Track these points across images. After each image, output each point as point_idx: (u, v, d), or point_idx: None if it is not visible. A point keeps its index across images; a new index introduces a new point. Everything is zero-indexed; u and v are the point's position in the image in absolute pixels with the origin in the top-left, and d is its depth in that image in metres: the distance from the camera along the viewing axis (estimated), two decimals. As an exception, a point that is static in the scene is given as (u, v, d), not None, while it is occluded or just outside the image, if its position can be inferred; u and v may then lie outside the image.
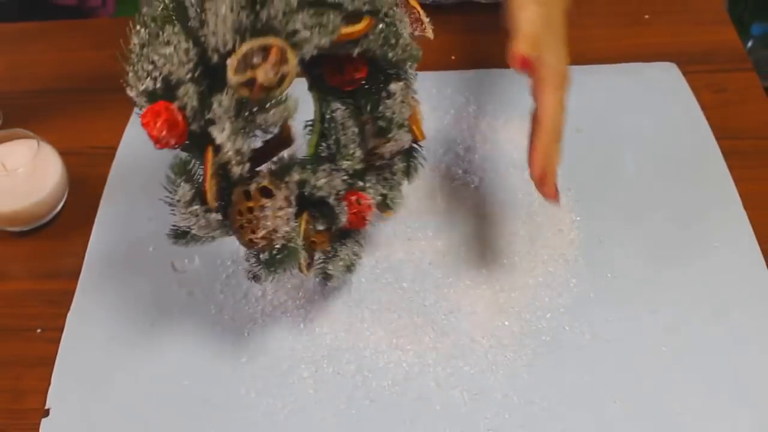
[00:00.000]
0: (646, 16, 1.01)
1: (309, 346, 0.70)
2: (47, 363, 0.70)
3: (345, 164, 0.66)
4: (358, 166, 0.67)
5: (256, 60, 0.54)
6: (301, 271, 0.65)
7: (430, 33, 0.68)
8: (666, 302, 0.72)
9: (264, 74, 0.53)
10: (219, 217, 0.59)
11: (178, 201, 0.58)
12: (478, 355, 0.69)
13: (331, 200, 0.65)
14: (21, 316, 0.75)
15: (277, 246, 0.61)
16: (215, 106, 0.54)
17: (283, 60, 0.54)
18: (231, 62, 0.53)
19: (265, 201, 0.59)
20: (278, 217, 0.59)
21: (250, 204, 0.59)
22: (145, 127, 0.55)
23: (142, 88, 0.56)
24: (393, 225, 0.78)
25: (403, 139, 0.68)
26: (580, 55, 0.95)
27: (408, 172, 0.73)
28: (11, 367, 0.71)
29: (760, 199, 0.79)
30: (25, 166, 0.77)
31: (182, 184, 0.58)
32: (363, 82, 0.67)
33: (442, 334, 0.71)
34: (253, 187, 0.59)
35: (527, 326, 0.71)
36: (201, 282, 0.75)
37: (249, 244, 0.60)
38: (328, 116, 0.68)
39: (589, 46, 0.97)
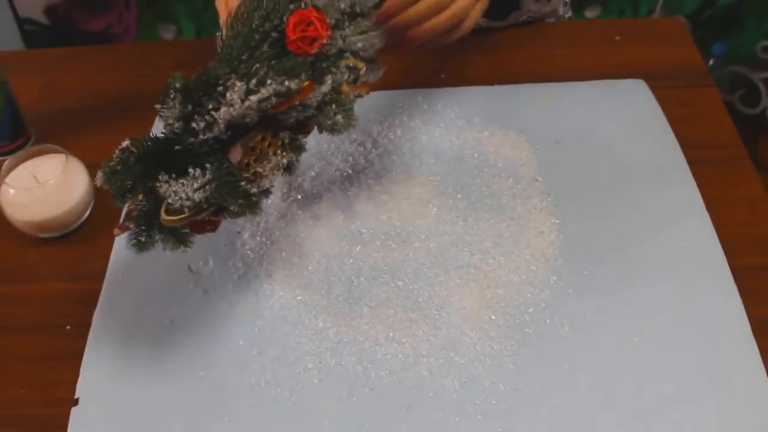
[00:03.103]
0: (617, 38, 1.01)
1: (313, 339, 0.70)
2: (76, 356, 0.70)
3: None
4: None
5: None
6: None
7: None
8: (638, 297, 0.71)
9: None
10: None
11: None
12: (467, 347, 0.69)
13: None
14: (52, 314, 0.74)
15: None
16: None
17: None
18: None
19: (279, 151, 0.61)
20: (273, 171, 0.62)
21: (271, 141, 0.60)
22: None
23: None
24: (389, 229, 0.78)
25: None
26: (557, 73, 0.95)
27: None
28: (44, 361, 0.71)
29: (721, 203, 0.79)
30: (55, 178, 0.77)
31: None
32: None
33: (434, 327, 0.70)
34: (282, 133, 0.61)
35: (512, 320, 0.70)
36: (215, 282, 0.75)
37: (242, 170, 0.60)
38: None
39: (565, 64, 0.97)
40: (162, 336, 0.71)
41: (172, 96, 0.57)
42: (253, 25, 0.60)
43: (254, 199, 0.61)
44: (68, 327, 0.73)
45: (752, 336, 0.68)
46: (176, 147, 0.60)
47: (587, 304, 0.71)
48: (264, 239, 0.78)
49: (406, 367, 0.68)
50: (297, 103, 0.60)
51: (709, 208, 0.78)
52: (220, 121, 0.58)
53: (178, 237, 0.63)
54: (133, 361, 0.70)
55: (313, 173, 0.83)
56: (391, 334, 0.70)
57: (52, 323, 0.73)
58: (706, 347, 0.68)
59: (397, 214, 0.79)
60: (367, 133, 0.87)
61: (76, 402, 0.67)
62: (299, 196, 0.81)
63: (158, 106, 0.58)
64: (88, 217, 0.82)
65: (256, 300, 0.73)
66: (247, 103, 0.57)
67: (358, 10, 0.65)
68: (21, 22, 1.82)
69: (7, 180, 0.78)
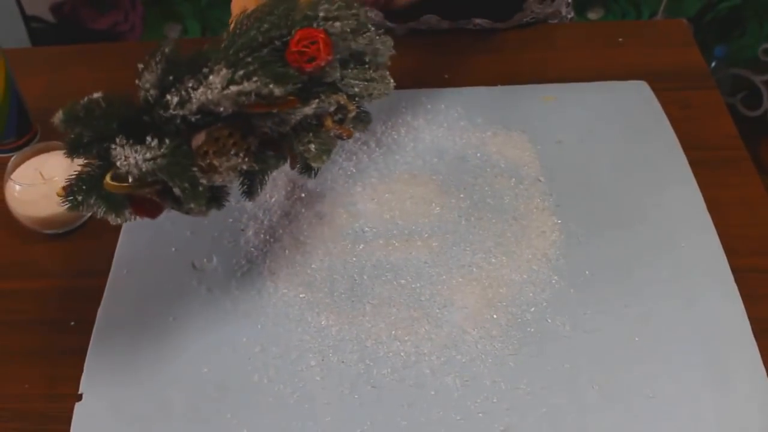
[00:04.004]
0: (620, 40, 1.01)
1: (316, 337, 0.70)
2: (80, 352, 0.70)
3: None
4: None
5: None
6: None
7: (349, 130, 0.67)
8: (638, 297, 0.71)
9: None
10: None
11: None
12: (469, 345, 0.69)
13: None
14: (56, 310, 0.74)
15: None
16: None
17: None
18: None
19: (242, 154, 0.59)
20: (229, 171, 0.60)
21: (237, 141, 0.59)
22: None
23: None
24: (392, 228, 0.78)
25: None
26: (560, 74, 0.95)
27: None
28: (48, 356, 0.71)
29: (722, 204, 0.79)
30: (60, 175, 0.77)
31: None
32: None
33: (436, 326, 0.70)
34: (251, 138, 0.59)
35: (513, 319, 0.70)
36: (218, 279, 0.75)
37: (199, 156, 0.59)
38: None
39: (568, 66, 0.97)
40: (165, 332, 0.71)
41: (157, 59, 0.57)
42: (261, 29, 0.59)
43: (200, 189, 0.59)
44: (72, 323, 0.73)
45: (752, 336, 0.68)
46: (144, 117, 0.59)
47: (588, 303, 0.71)
48: (267, 237, 0.78)
49: (408, 365, 0.68)
50: (275, 111, 0.59)
51: (710, 208, 0.78)
52: (195, 101, 0.57)
53: (113, 204, 0.60)
54: (137, 357, 0.70)
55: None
56: (393, 332, 0.70)
57: (57, 319, 0.73)
58: (706, 347, 0.68)
59: (400, 213, 0.79)
60: (371, 132, 0.87)
61: (79, 397, 0.67)
62: (303, 195, 0.81)
63: (140, 65, 0.57)
64: (92, 215, 0.81)
65: (259, 297, 0.73)
66: (226, 92, 0.56)
67: (367, 59, 0.65)
68: (27, 19, 1.82)
69: (13, 176, 0.78)
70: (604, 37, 1.01)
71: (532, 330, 0.70)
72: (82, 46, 1.07)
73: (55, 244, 0.80)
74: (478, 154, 0.85)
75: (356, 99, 0.66)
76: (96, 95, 0.57)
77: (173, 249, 0.77)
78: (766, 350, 0.67)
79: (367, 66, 0.65)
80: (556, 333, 0.69)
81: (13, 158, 0.79)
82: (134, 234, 0.79)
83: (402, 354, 0.68)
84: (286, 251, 0.76)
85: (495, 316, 0.70)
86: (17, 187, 0.77)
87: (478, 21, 1.01)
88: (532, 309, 0.71)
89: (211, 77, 0.57)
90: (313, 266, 0.75)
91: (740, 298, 0.71)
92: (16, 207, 0.78)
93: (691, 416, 0.63)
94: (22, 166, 0.80)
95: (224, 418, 0.65)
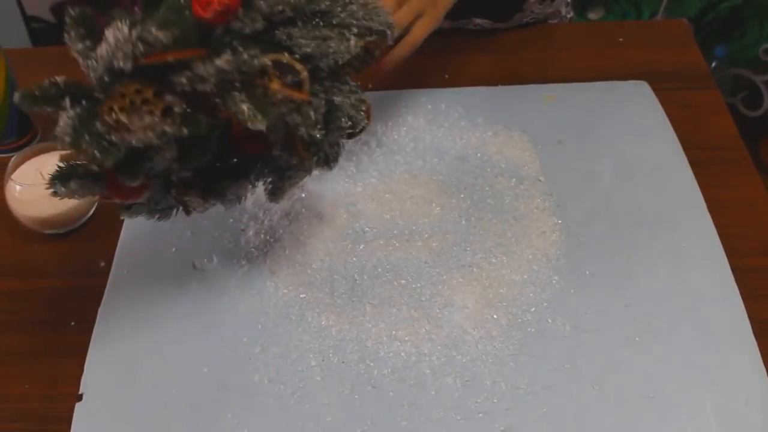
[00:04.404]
0: (621, 39, 1.01)
1: (316, 337, 0.70)
2: (80, 352, 0.70)
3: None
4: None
5: None
6: None
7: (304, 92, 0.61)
8: (639, 297, 0.71)
9: None
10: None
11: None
12: (469, 346, 0.69)
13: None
14: (57, 310, 0.74)
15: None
16: None
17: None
18: None
19: (158, 113, 0.57)
20: (146, 131, 0.57)
21: (148, 98, 0.56)
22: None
23: None
24: (392, 228, 0.78)
25: None
26: (560, 74, 0.95)
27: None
28: (49, 356, 0.71)
29: (722, 204, 0.79)
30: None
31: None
32: None
33: (437, 326, 0.70)
34: (168, 96, 0.57)
35: (514, 319, 0.70)
36: (219, 279, 0.75)
37: (104, 112, 0.57)
38: None
39: (568, 66, 0.97)
40: (165, 333, 0.71)
41: (70, 26, 0.57)
42: None
43: (105, 144, 0.57)
44: (73, 323, 0.73)
45: (752, 336, 0.68)
46: (96, 94, 0.59)
47: (589, 304, 0.71)
48: (268, 237, 0.78)
49: (408, 366, 0.68)
50: (170, 60, 0.56)
51: (711, 208, 0.78)
52: (99, 60, 0.57)
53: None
54: (137, 357, 0.70)
55: (317, 172, 0.83)
56: (393, 332, 0.70)
57: (57, 319, 0.73)
58: (706, 347, 0.68)
59: (400, 213, 0.79)
60: (372, 132, 0.87)
61: (80, 398, 0.67)
62: (303, 195, 0.81)
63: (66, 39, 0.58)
64: (93, 214, 0.82)
65: (259, 298, 0.73)
66: (118, 44, 0.55)
67: (335, 21, 0.62)
68: (28, 19, 1.82)
69: (14, 176, 0.78)
70: (604, 37, 1.01)
71: (533, 330, 0.70)
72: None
73: (55, 244, 0.80)
74: (479, 154, 0.85)
75: (317, 62, 0.61)
76: (59, 78, 0.58)
77: (173, 249, 0.77)
78: (766, 350, 0.67)
79: (318, 22, 0.61)
80: (557, 333, 0.69)
81: (13, 158, 0.79)
82: (135, 235, 0.79)
83: (402, 354, 0.68)
84: (287, 251, 0.76)
85: (495, 316, 0.70)
86: (18, 188, 0.77)
87: (478, 21, 1.01)
88: (533, 309, 0.71)
89: (107, 31, 0.56)
90: (313, 266, 0.75)
91: (740, 298, 0.71)
92: (16, 207, 0.78)
93: (691, 416, 0.63)
94: (23, 167, 0.80)
95: (224, 418, 0.65)
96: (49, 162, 0.79)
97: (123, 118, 0.56)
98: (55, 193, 0.61)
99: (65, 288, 0.76)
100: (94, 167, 0.60)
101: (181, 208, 0.68)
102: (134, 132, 0.57)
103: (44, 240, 0.80)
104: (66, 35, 0.58)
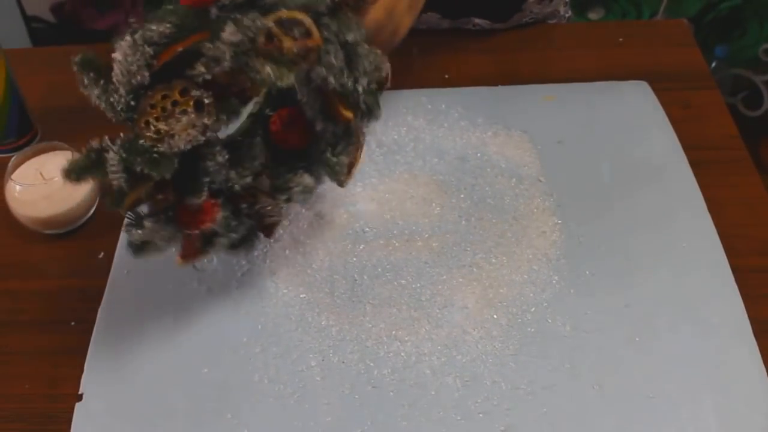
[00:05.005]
0: (621, 39, 1.01)
1: (316, 337, 0.70)
2: (80, 352, 0.70)
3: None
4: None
5: None
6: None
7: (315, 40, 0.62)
8: (639, 297, 0.71)
9: None
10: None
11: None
12: (469, 346, 0.69)
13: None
14: (57, 310, 0.74)
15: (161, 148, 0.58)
16: None
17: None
18: None
19: (191, 110, 0.58)
20: (188, 130, 0.58)
21: (177, 100, 0.58)
22: None
23: None
24: (392, 228, 0.78)
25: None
26: (560, 74, 0.95)
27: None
28: (49, 356, 0.71)
29: (722, 204, 0.79)
30: (61, 175, 0.77)
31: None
32: None
33: (437, 326, 0.70)
34: (194, 91, 0.58)
35: (514, 319, 0.70)
36: (219, 280, 0.75)
37: (142, 129, 0.58)
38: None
39: (568, 66, 0.97)
40: (165, 333, 0.71)
41: (80, 73, 0.58)
42: None
43: (155, 155, 0.58)
44: (73, 323, 0.73)
45: (752, 336, 0.68)
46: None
47: (589, 304, 0.71)
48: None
49: (408, 366, 0.68)
50: (180, 50, 0.57)
51: (711, 208, 0.78)
52: (119, 87, 0.57)
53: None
54: (137, 357, 0.70)
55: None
56: (393, 332, 0.70)
57: (57, 319, 0.73)
58: (706, 347, 0.68)
59: (400, 213, 0.79)
60: (371, 132, 0.87)
61: (80, 397, 0.67)
62: (303, 195, 0.81)
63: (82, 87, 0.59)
64: (93, 214, 0.82)
65: (259, 298, 0.73)
66: (129, 58, 0.57)
67: None
68: (28, 20, 1.82)
69: (14, 177, 0.78)
70: (604, 37, 1.01)
71: (533, 330, 0.70)
72: (81, 47, 1.07)
73: (55, 244, 0.80)
74: (479, 154, 0.85)
75: (312, 6, 0.62)
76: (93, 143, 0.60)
77: (173, 249, 0.77)
78: (766, 350, 0.67)
79: None
80: (557, 333, 0.69)
81: (13, 158, 0.79)
82: (134, 234, 0.79)
83: (402, 354, 0.68)
84: (287, 251, 0.76)
85: (495, 316, 0.70)
86: (18, 188, 0.77)
87: (477, 21, 1.01)
88: (533, 309, 0.71)
89: (114, 54, 0.58)
90: (313, 266, 0.75)
91: (740, 298, 0.71)
92: (16, 207, 0.78)
93: (691, 416, 0.63)
94: (23, 167, 0.80)
95: (224, 418, 0.65)
96: (49, 162, 0.80)
97: (162, 126, 0.58)
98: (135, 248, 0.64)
99: (65, 288, 0.76)
100: (159, 198, 0.62)
101: (261, 235, 0.71)
102: (177, 135, 0.58)
103: (44, 240, 0.80)
104: (80, 86, 0.58)
